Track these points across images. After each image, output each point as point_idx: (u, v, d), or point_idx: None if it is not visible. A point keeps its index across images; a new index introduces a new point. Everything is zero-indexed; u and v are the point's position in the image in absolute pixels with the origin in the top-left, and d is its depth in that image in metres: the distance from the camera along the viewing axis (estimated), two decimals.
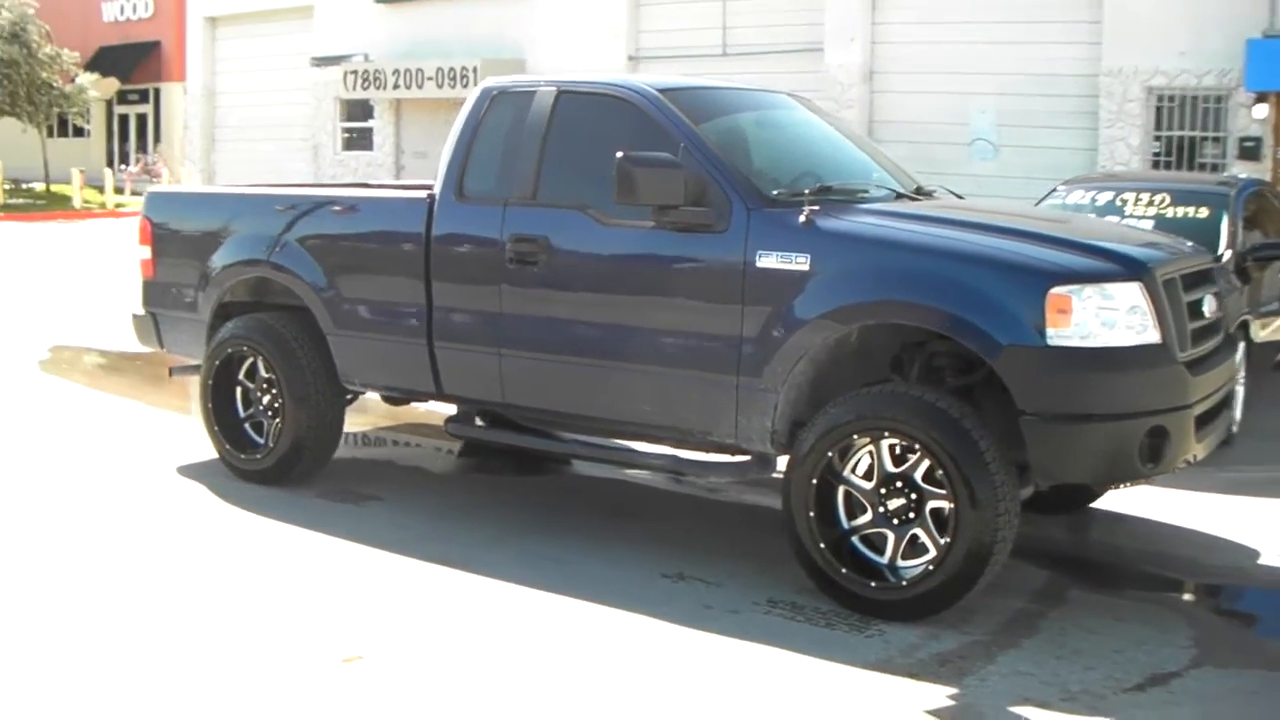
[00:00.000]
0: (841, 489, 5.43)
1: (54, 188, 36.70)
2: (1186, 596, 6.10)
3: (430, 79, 26.58)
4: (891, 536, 5.35)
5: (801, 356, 5.52)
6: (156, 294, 7.88)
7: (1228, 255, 9.13)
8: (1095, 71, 18.46)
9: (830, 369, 5.68)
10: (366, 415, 8.94)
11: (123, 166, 39.20)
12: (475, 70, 24.90)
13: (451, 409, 7.07)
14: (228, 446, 7.38)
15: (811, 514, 5.41)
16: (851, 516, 5.44)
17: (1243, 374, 8.75)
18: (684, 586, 5.73)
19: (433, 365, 6.63)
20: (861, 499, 5.40)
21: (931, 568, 5.21)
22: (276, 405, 7.16)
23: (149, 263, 7.86)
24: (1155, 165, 18.02)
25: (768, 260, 5.58)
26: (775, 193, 5.80)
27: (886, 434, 5.29)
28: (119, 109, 42.48)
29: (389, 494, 7.20)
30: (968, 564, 5.13)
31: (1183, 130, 18.05)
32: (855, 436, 5.35)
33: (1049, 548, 6.45)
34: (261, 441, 7.31)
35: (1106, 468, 5.25)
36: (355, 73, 28.28)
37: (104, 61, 40.10)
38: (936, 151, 19.15)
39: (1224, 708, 4.64)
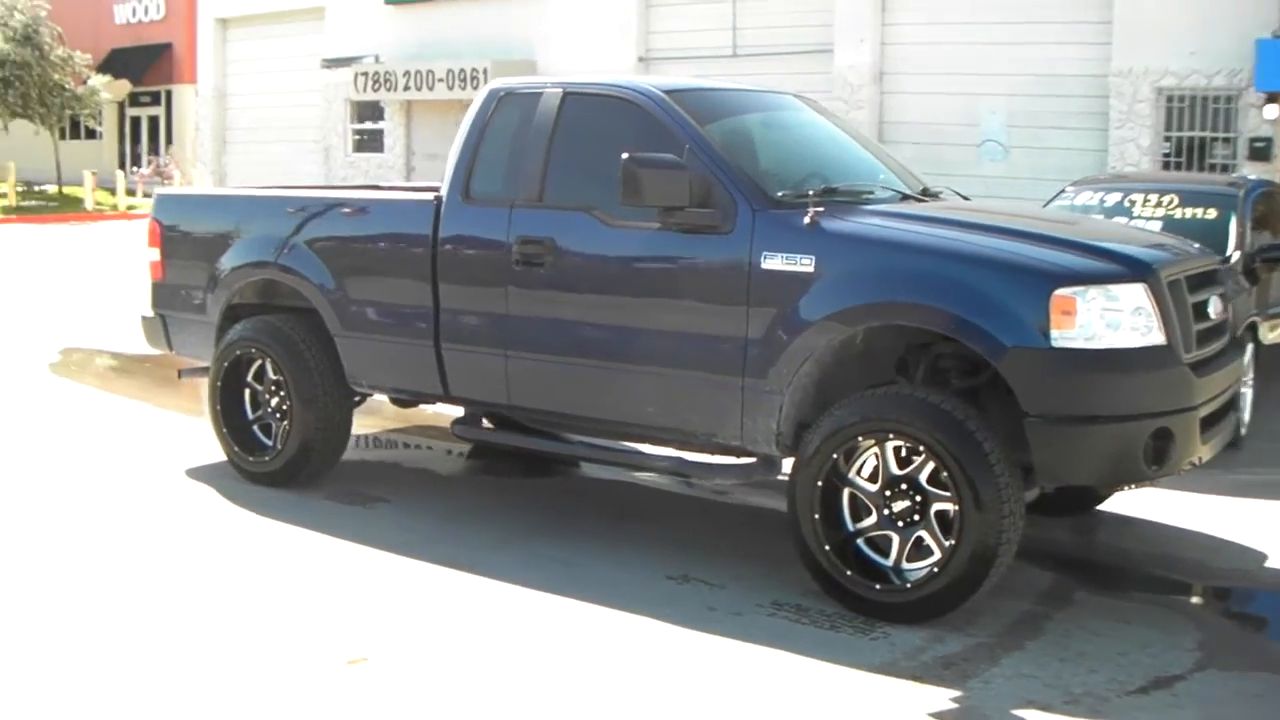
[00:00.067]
0: (846, 491, 5.44)
1: (66, 190, 36.81)
2: (1193, 599, 6.09)
3: (441, 80, 26.62)
4: (896, 539, 5.35)
5: (807, 358, 5.52)
6: (165, 296, 7.91)
7: (1236, 256, 9.12)
8: (1105, 72, 18.43)
9: (835, 371, 5.68)
10: (377, 417, 8.95)
11: (134, 168, 39.28)
12: (485, 71, 24.91)
13: (459, 411, 7.09)
14: (236, 448, 7.40)
15: (816, 516, 5.41)
16: (856, 519, 5.44)
17: (1251, 376, 8.74)
18: (688, 588, 5.74)
19: (439, 367, 6.65)
20: (866, 501, 5.40)
21: (936, 570, 5.21)
22: (285, 407, 7.18)
23: (158, 265, 7.89)
24: (1165, 166, 17.97)
25: (773, 262, 5.58)
26: (780, 194, 5.81)
27: (891, 436, 5.29)
28: (131, 111, 42.60)
29: (396, 496, 7.22)
30: (972, 566, 5.13)
31: (1193, 131, 18.01)
32: (860, 438, 5.35)
33: (1055, 550, 6.45)
34: (270, 443, 7.33)
35: (1111, 470, 5.24)
36: (366, 74, 28.35)
37: (116, 63, 40.21)
38: (946, 152, 19.15)
39: (1228, 710, 4.63)
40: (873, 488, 5.38)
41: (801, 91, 7.71)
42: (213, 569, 5.95)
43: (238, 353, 7.33)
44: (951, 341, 5.35)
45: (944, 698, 4.61)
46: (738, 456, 6.03)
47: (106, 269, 19.01)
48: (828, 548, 5.40)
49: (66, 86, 36.30)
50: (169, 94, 40.82)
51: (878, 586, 5.33)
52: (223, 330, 7.51)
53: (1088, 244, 5.50)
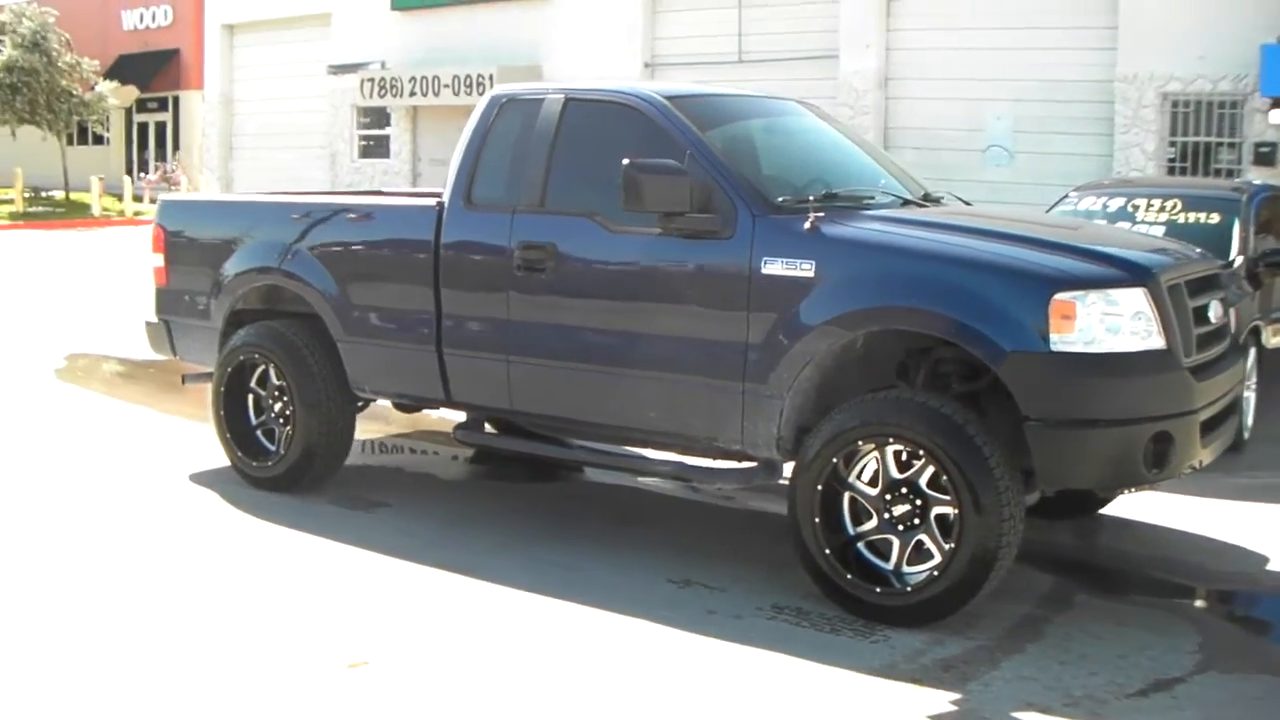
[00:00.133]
0: (847, 495, 5.45)
1: (73, 195, 36.87)
2: (1194, 602, 6.08)
3: (447, 86, 26.65)
4: (896, 542, 5.36)
5: (807, 362, 5.54)
6: (169, 301, 7.93)
7: (1239, 261, 9.12)
8: (1110, 77, 18.43)
9: (836, 375, 5.69)
10: (382, 423, 8.97)
11: (142, 174, 39.39)
12: (491, 77, 24.94)
13: (462, 416, 7.11)
14: (239, 454, 7.42)
15: (817, 520, 5.42)
16: (857, 522, 5.45)
17: (1254, 380, 8.74)
18: (689, 592, 5.75)
19: (442, 372, 6.66)
20: (867, 505, 5.41)
21: (936, 573, 5.22)
22: (288, 413, 7.20)
23: (162, 270, 7.91)
24: (1170, 171, 17.97)
25: (773, 266, 5.60)
26: (781, 199, 5.83)
27: (891, 440, 5.30)
28: (138, 117, 42.72)
29: (399, 501, 7.24)
30: (972, 569, 5.14)
31: (1198, 136, 18.00)
32: (860, 442, 5.36)
33: (1057, 553, 6.46)
34: (273, 449, 7.35)
35: (1111, 473, 5.26)
36: (372, 80, 28.40)
37: (123, 70, 40.34)
38: (951, 158, 19.15)
39: (1227, 713, 4.64)
40: (873, 491, 5.40)
41: (807, 97, 7.73)
42: (215, 573, 5.97)
43: (241, 358, 7.36)
44: (952, 346, 5.36)
45: (943, 700, 4.62)
46: (739, 461, 6.04)
47: (113, 275, 19.06)
48: (828, 551, 5.41)
49: (74, 93, 36.37)
50: (176, 100, 40.94)
51: (878, 590, 5.34)
52: (226, 336, 7.53)
53: (1087, 249, 5.51)
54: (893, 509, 5.34)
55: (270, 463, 7.30)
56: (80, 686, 4.66)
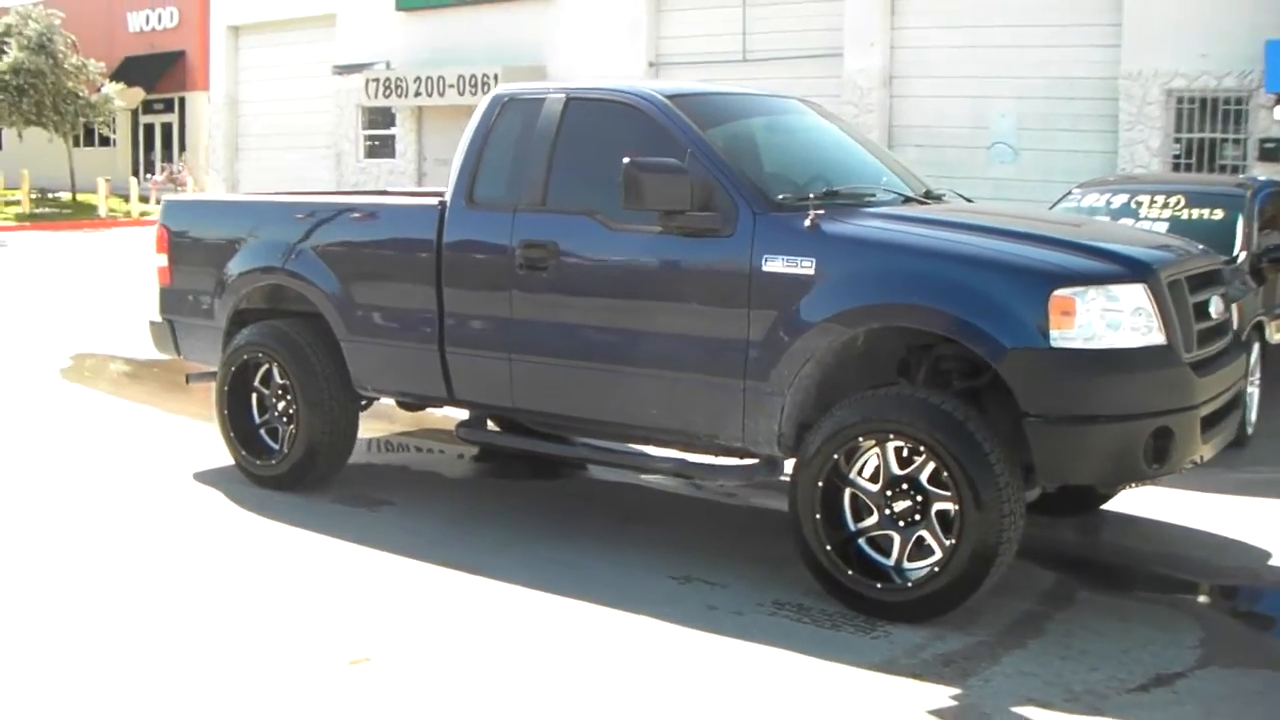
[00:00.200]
0: (847, 491, 5.46)
1: (80, 197, 36.96)
2: (1196, 597, 6.09)
3: (451, 86, 26.69)
4: (897, 538, 5.37)
5: (808, 360, 5.54)
6: (173, 301, 7.96)
7: (1243, 257, 9.12)
8: (1115, 74, 18.43)
9: (836, 372, 5.70)
10: (386, 421, 8.99)
11: (148, 175, 39.40)
12: (496, 77, 24.97)
13: (466, 414, 7.13)
14: (243, 452, 7.44)
15: (818, 516, 5.43)
16: (858, 518, 5.46)
17: (1257, 375, 8.74)
18: (690, 589, 5.76)
19: (444, 370, 6.68)
20: (867, 501, 5.42)
21: (937, 569, 5.23)
22: (291, 411, 7.22)
23: (166, 270, 7.94)
24: (1175, 168, 17.96)
25: (774, 264, 5.61)
26: (781, 197, 5.83)
27: (892, 436, 5.31)
28: (144, 118, 42.73)
29: (402, 499, 7.25)
30: (973, 565, 5.14)
31: (1203, 132, 18.00)
32: (861, 439, 5.37)
33: (1059, 549, 6.46)
34: (276, 447, 7.37)
35: (1112, 469, 5.26)
36: (377, 80, 28.45)
37: (129, 71, 40.38)
38: (956, 155, 19.16)
39: (1228, 707, 4.64)
40: (874, 488, 5.41)
41: (811, 95, 7.74)
42: (218, 570, 5.99)
43: (245, 357, 7.38)
44: (952, 343, 5.37)
45: (943, 695, 4.62)
46: (740, 458, 6.05)
47: (119, 275, 19.09)
48: (829, 547, 5.42)
49: (80, 94, 36.45)
50: (182, 101, 40.97)
51: (879, 585, 5.35)
52: (230, 335, 7.55)
53: (1088, 245, 5.52)
54: (893, 505, 5.35)
55: (274, 461, 7.32)
56: (85, 682, 4.68)
